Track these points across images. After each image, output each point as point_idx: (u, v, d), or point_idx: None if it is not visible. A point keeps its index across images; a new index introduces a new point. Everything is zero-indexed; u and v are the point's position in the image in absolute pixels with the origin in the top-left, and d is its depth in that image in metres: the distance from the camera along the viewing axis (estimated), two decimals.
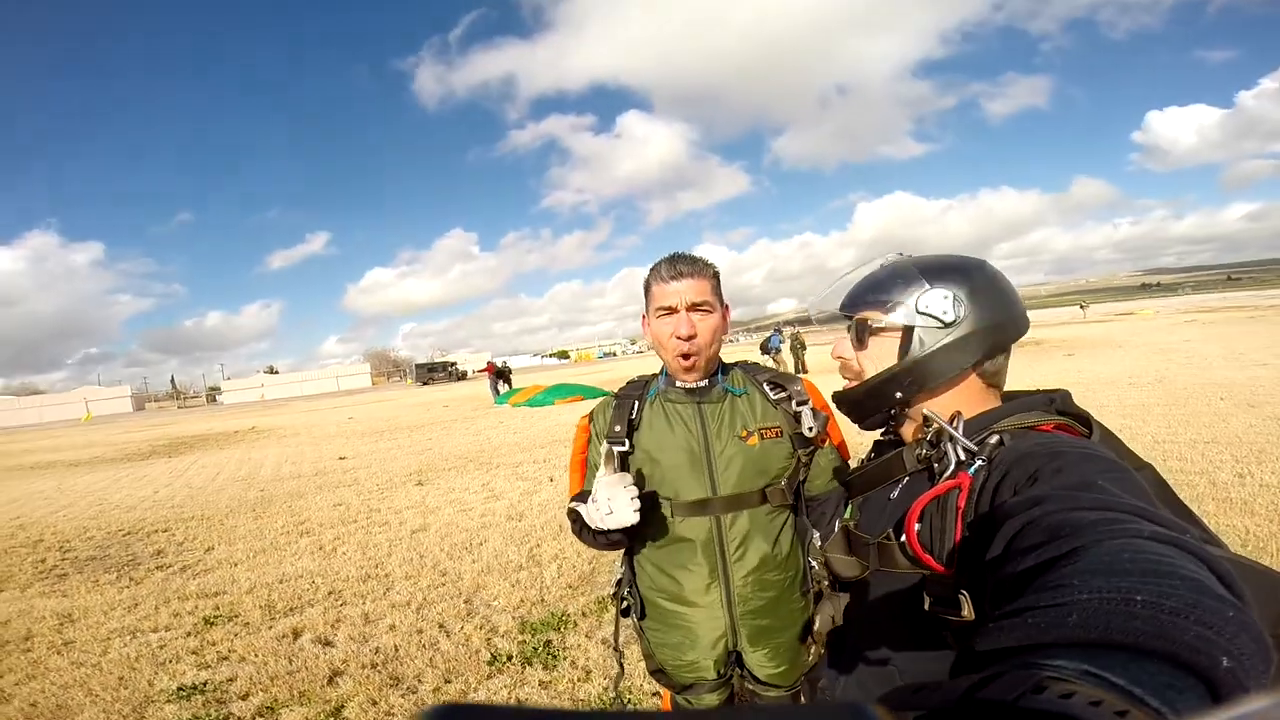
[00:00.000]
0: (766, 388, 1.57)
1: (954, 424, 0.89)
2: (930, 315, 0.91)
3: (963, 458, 0.84)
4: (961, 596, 0.73)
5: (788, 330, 21.84)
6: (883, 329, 0.96)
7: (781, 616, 1.57)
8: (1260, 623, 0.37)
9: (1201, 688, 0.32)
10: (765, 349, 20.75)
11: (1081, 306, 57.44)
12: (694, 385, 1.53)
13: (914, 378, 0.93)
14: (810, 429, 1.49)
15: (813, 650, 1.69)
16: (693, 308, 1.46)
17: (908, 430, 1.00)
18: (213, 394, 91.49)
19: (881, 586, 0.95)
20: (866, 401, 0.99)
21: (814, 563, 1.63)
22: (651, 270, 1.52)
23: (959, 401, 0.93)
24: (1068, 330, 28.69)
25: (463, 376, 58.38)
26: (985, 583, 0.59)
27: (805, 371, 18.83)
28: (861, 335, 0.98)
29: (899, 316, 0.93)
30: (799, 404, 1.52)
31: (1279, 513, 3.99)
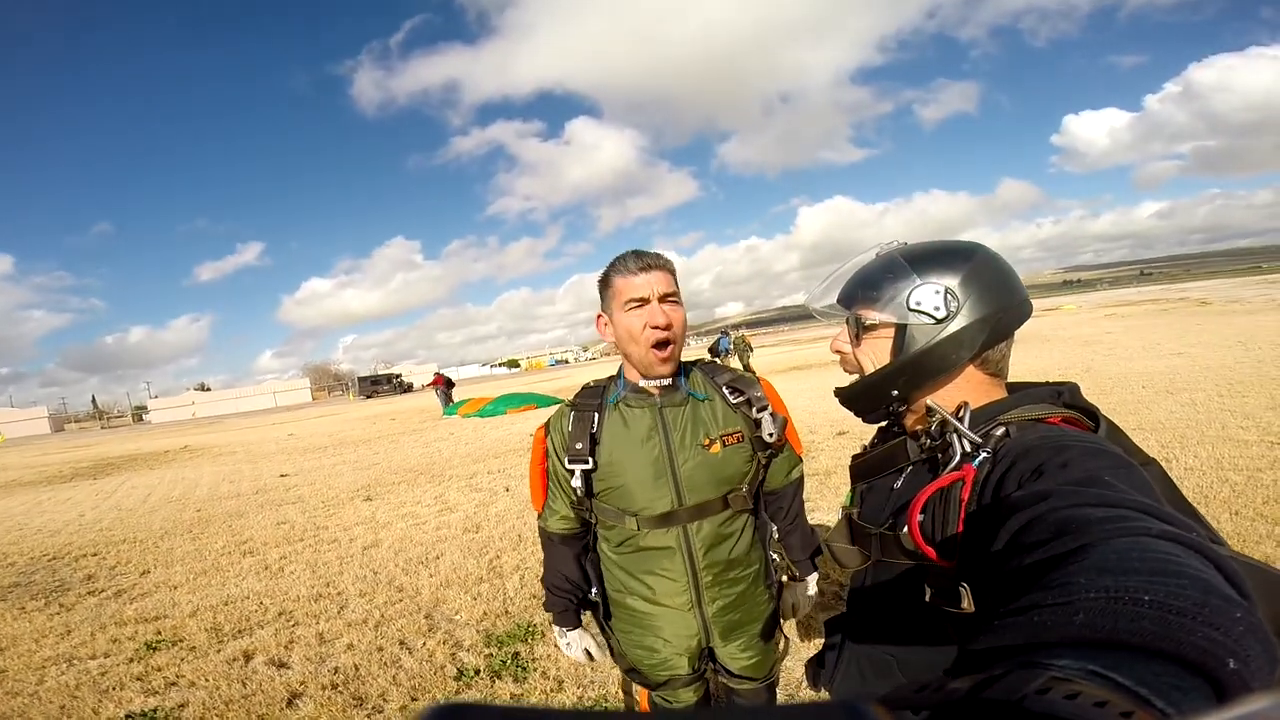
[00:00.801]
0: (726, 391, 1.56)
1: (960, 415, 0.87)
2: (922, 311, 0.89)
3: (967, 449, 0.83)
4: (962, 589, 0.71)
5: (735, 333, 22.13)
6: (876, 325, 0.95)
7: (749, 610, 1.60)
8: (1266, 623, 0.37)
9: (1208, 688, 0.32)
10: (715, 352, 20.95)
11: None
12: (656, 388, 1.52)
13: (909, 376, 0.92)
14: (770, 434, 1.50)
15: (782, 642, 1.74)
16: (663, 299, 1.45)
17: (910, 420, 0.99)
18: (139, 413, 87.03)
19: (882, 576, 0.96)
20: (864, 398, 0.99)
21: (774, 555, 1.69)
22: (614, 264, 1.48)
23: (963, 393, 0.92)
24: None
25: (408, 388, 57.10)
26: (987, 576, 0.59)
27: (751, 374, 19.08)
28: (858, 330, 0.97)
29: (891, 313, 0.92)
30: (759, 410, 1.53)
31: (1204, 495, 4.25)
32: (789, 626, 1.68)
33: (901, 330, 0.92)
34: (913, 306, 0.90)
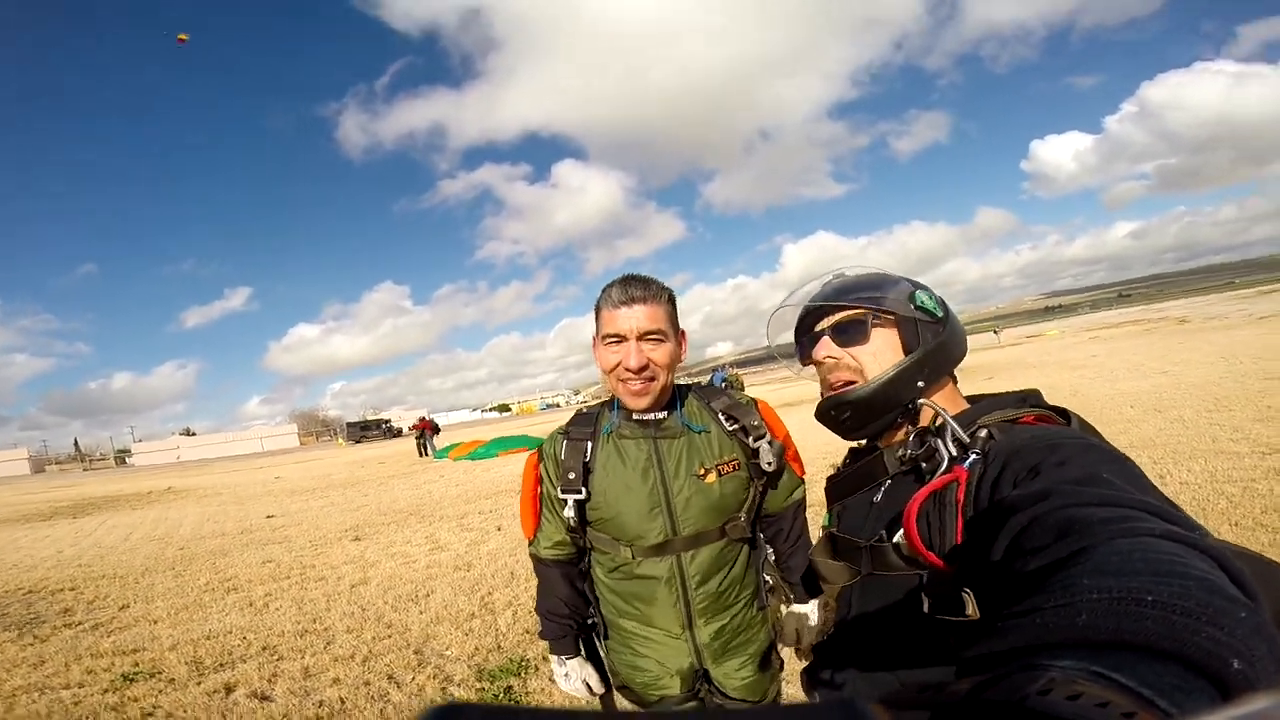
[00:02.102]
0: (723, 419, 1.51)
1: (940, 422, 0.88)
2: (926, 309, 0.94)
3: (954, 453, 0.83)
4: (965, 595, 0.69)
5: (728, 371, 22.21)
6: (880, 324, 0.95)
7: (743, 632, 1.56)
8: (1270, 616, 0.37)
9: (1212, 689, 0.32)
10: None
11: (995, 332, 60.07)
12: (649, 418, 1.47)
13: (931, 367, 0.92)
14: (769, 464, 1.45)
15: (781, 662, 1.68)
16: (644, 336, 1.37)
17: (890, 435, 0.98)
18: (122, 456, 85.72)
19: (873, 592, 0.92)
20: (878, 398, 0.93)
21: (768, 578, 1.64)
22: (603, 292, 1.42)
23: (940, 401, 0.93)
24: (985, 355, 29.78)
25: (398, 434, 56.59)
26: (989, 580, 0.58)
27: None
28: (856, 331, 0.95)
29: (899, 309, 0.94)
30: (756, 438, 1.47)
31: (1202, 508, 4.21)
32: (787, 650, 1.62)
33: (910, 325, 0.94)
34: (917, 305, 0.94)
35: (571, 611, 1.60)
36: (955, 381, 0.99)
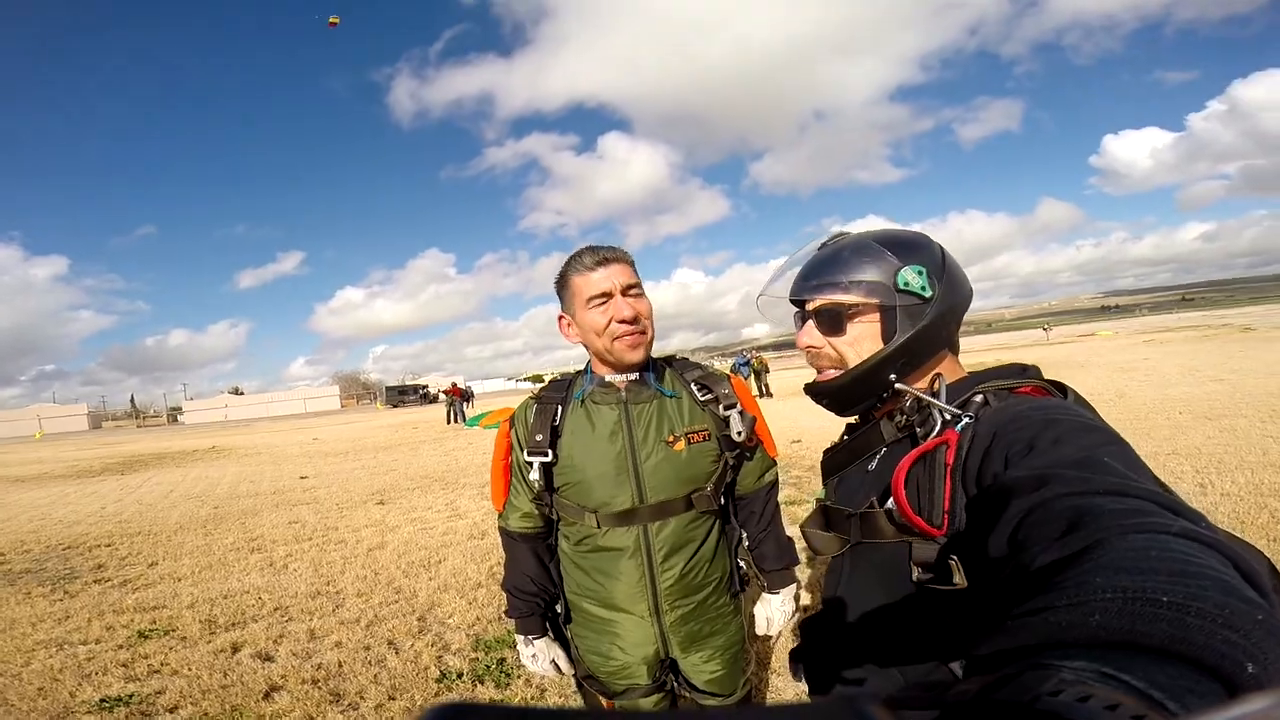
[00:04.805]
0: (695, 388, 1.50)
1: (935, 388, 0.87)
2: (911, 292, 0.87)
3: (948, 418, 0.81)
4: (951, 562, 0.70)
5: (753, 354, 22.07)
6: (859, 312, 0.91)
7: (710, 620, 1.52)
8: None
9: (1224, 693, 0.31)
10: (734, 373, 20.87)
11: (1045, 329, 58.81)
12: (624, 382, 1.46)
13: (908, 358, 0.90)
14: (739, 433, 1.44)
15: (752, 657, 1.62)
16: (625, 290, 1.39)
17: (882, 408, 0.96)
18: (174, 414, 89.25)
19: (863, 563, 0.91)
20: (855, 388, 0.93)
21: (742, 563, 1.58)
22: (569, 263, 1.44)
23: (937, 370, 0.92)
24: (1032, 352, 29.17)
25: (434, 400, 57.83)
26: (988, 567, 0.57)
27: (769, 395, 19.06)
28: (836, 320, 0.92)
29: (879, 296, 0.89)
30: (727, 407, 1.46)
31: (1240, 521, 4.01)
32: (761, 642, 1.57)
33: (890, 312, 0.89)
34: (901, 287, 0.88)
35: (539, 589, 1.57)
36: (956, 350, 0.97)
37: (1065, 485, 0.54)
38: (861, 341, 0.91)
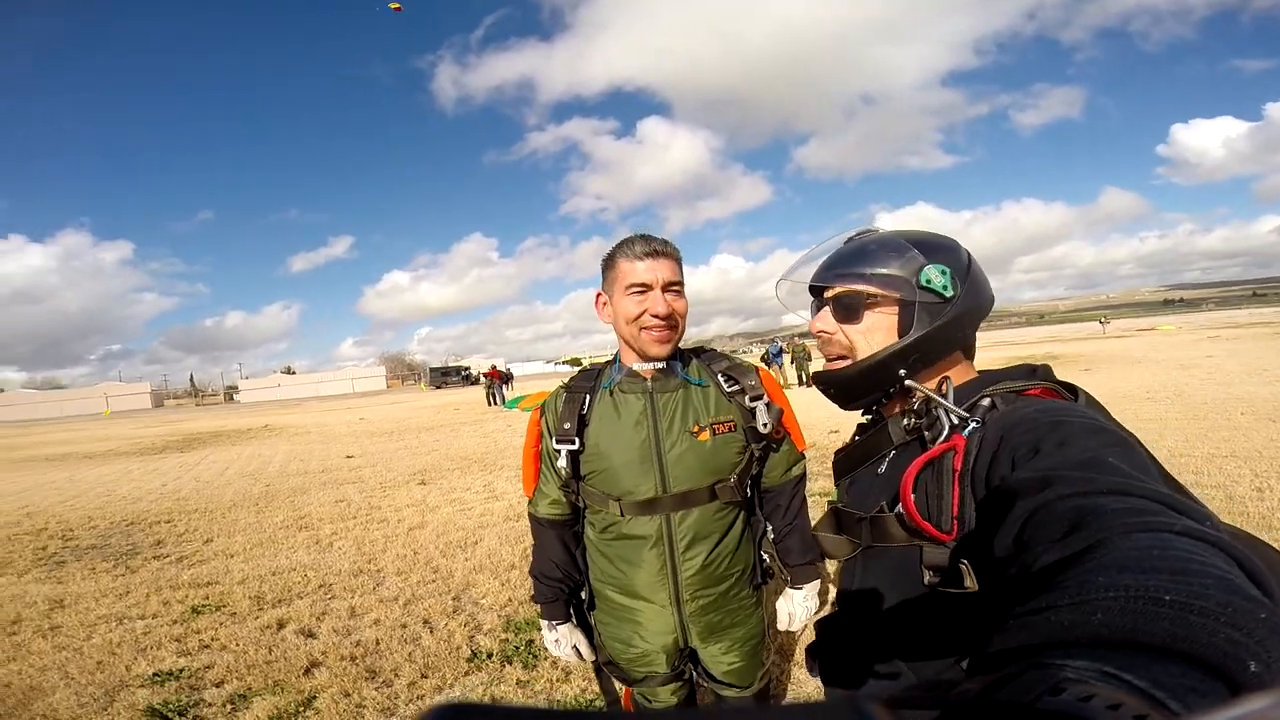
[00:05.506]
0: (722, 379, 1.51)
1: (943, 391, 0.86)
2: (932, 290, 0.88)
3: (955, 422, 0.82)
4: (962, 566, 0.71)
5: (792, 342, 21.63)
6: (877, 303, 0.91)
7: (731, 612, 1.53)
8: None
9: (1226, 692, 0.31)
10: (766, 360, 20.62)
11: (1102, 321, 56.57)
12: (652, 369, 1.48)
13: (920, 354, 0.90)
14: (765, 425, 1.45)
15: (772, 649, 1.64)
16: (667, 287, 1.41)
17: (891, 405, 0.97)
18: (230, 393, 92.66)
19: (875, 566, 0.92)
20: (863, 381, 0.94)
21: (765, 556, 1.59)
22: (619, 247, 1.46)
23: (947, 372, 0.92)
24: (1086, 345, 28.21)
25: (475, 381, 58.86)
26: (994, 568, 0.57)
27: (809, 384, 18.62)
28: (853, 309, 0.93)
29: (900, 290, 0.89)
30: (753, 398, 1.47)
31: None
32: (784, 635, 1.58)
33: (909, 307, 0.90)
34: (923, 284, 0.88)
35: (564, 575, 1.61)
36: (970, 353, 0.97)
37: (1069, 486, 0.54)
38: (875, 332, 0.92)
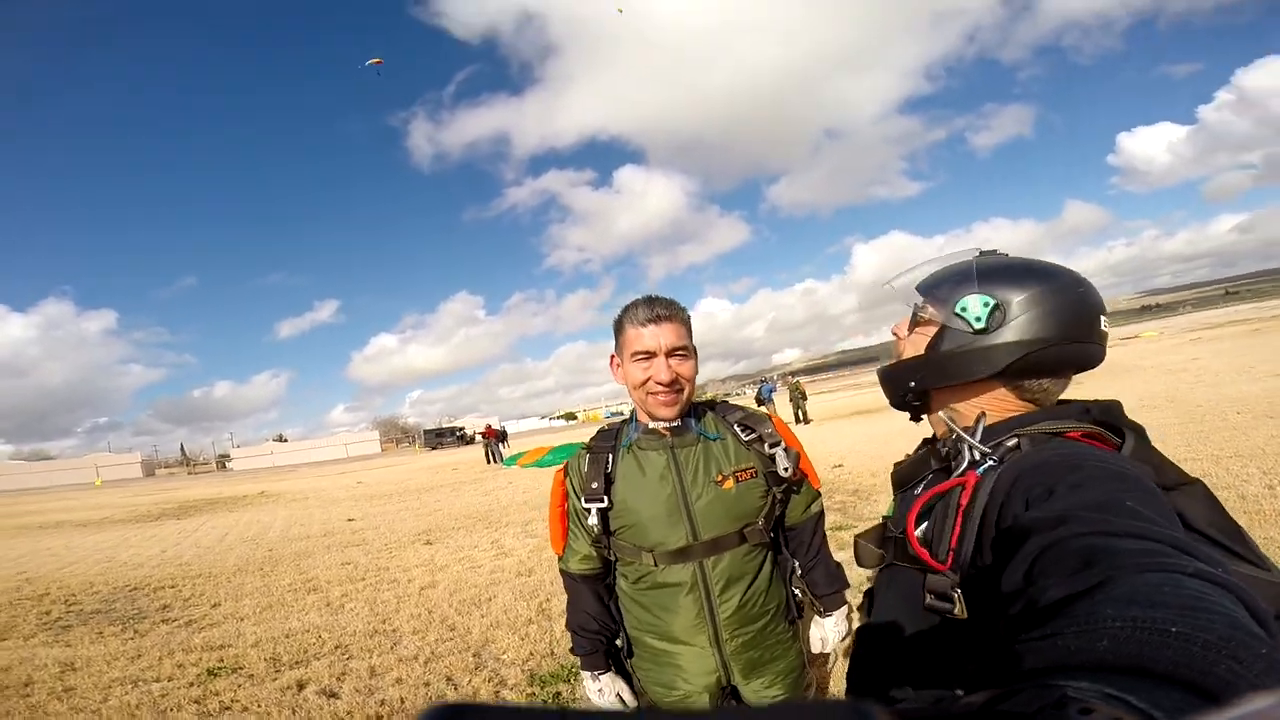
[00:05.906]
0: (738, 429, 1.56)
1: (976, 424, 0.88)
2: (963, 318, 0.89)
3: (976, 458, 0.83)
4: (955, 594, 0.73)
5: (788, 380, 21.67)
6: (926, 320, 0.97)
7: (770, 647, 1.56)
8: None
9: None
10: (760, 400, 20.67)
11: None
12: (667, 429, 1.52)
13: (927, 373, 0.94)
14: (785, 469, 1.50)
15: (813, 679, 1.66)
16: (672, 352, 1.45)
17: (938, 427, 1.00)
18: (222, 461, 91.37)
19: (893, 583, 0.95)
20: (889, 383, 1.02)
21: (797, 591, 1.63)
22: (626, 311, 1.50)
23: (986, 405, 0.91)
24: None
25: (470, 441, 58.41)
26: (1000, 601, 0.58)
27: (807, 422, 18.49)
28: (914, 321, 1.00)
29: (938, 313, 0.93)
30: (772, 445, 1.53)
31: None
32: (818, 663, 1.61)
33: (941, 330, 0.94)
34: (957, 311, 0.90)
35: (601, 627, 1.64)
36: (1029, 395, 0.91)
37: (1083, 525, 0.55)
38: (916, 348, 0.97)
